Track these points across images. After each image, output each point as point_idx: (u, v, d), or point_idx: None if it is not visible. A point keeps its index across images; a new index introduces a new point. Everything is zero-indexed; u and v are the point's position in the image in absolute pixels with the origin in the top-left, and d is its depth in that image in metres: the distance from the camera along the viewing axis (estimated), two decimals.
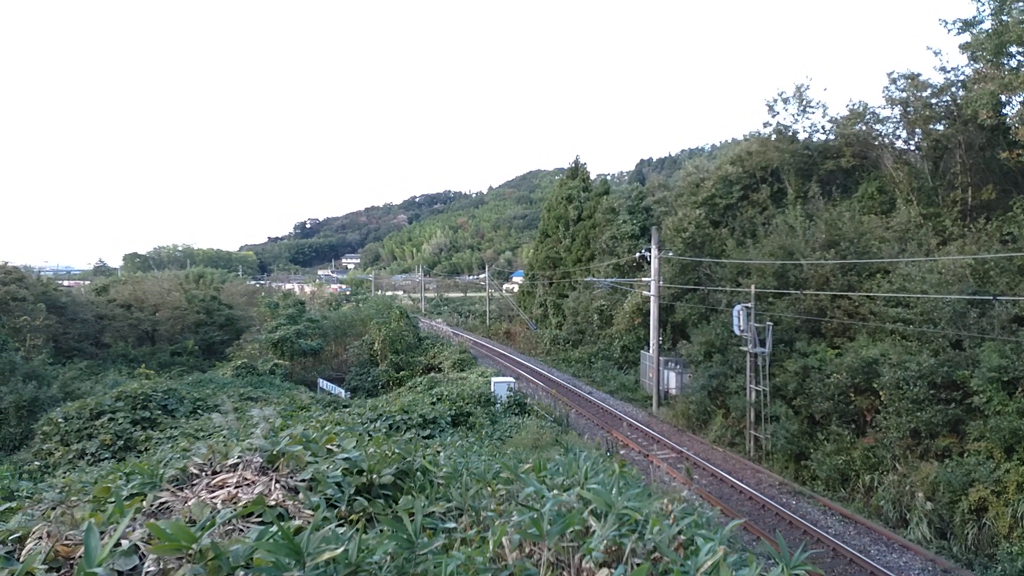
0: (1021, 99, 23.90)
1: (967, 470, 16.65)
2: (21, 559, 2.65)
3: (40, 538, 2.79)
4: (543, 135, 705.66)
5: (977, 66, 24.97)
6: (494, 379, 29.93)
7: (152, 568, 2.35)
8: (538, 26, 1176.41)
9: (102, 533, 2.58)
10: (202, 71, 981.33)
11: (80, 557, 2.26)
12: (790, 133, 34.96)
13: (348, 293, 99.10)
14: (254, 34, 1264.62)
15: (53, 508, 3.58)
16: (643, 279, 35.19)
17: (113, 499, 3.22)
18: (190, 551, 2.27)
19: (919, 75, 27.65)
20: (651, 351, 32.26)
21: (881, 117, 30.61)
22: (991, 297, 18.30)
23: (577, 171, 58.32)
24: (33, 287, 42.73)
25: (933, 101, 27.27)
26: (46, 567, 2.49)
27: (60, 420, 21.79)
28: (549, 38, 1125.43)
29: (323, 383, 38.26)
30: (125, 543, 2.47)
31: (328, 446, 4.23)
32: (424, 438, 16.93)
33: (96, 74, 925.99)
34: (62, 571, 2.55)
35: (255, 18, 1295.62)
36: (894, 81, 28.38)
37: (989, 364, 17.08)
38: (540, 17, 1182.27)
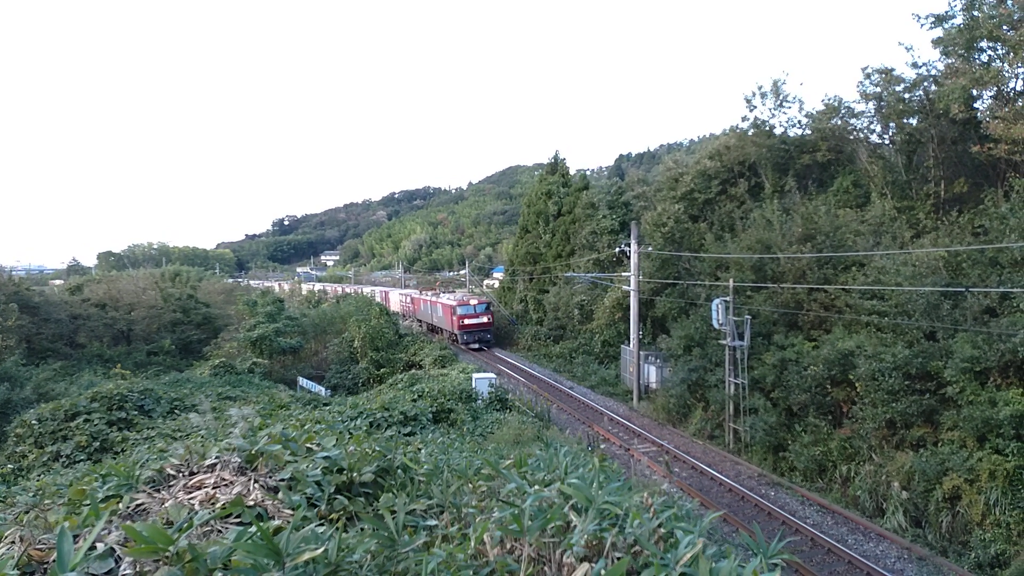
0: (992, 94, 24.35)
1: (941, 459, 16.97)
2: None
3: (13, 542, 2.74)
4: (522, 130, 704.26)
5: (949, 61, 25.37)
6: (475, 375, 29.89)
7: (128, 571, 2.32)
8: (517, 21, 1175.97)
9: (76, 536, 2.54)
10: (178, 67, 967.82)
11: (54, 561, 2.23)
12: (767, 128, 35.23)
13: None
14: (231, 29, 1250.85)
15: (26, 511, 3.53)
16: (623, 274, 35.32)
17: (88, 501, 3.17)
18: (167, 553, 2.24)
19: (892, 70, 28.00)
20: (631, 346, 32.44)
21: (856, 111, 30.94)
22: (964, 289, 18.62)
23: (556, 166, 58.25)
24: (5, 287, 41.99)
25: (906, 96, 27.62)
26: (18, 572, 2.45)
27: (34, 422, 21.38)
28: (528, 33, 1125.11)
29: (303, 381, 37.93)
30: (100, 546, 2.44)
31: (308, 445, 4.20)
32: (405, 435, 16.83)
33: (69, 70, 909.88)
34: None
35: (232, 13, 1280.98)
36: (868, 76, 28.71)
37: (962, 355, 17.40)
38: (519, 12, 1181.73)
